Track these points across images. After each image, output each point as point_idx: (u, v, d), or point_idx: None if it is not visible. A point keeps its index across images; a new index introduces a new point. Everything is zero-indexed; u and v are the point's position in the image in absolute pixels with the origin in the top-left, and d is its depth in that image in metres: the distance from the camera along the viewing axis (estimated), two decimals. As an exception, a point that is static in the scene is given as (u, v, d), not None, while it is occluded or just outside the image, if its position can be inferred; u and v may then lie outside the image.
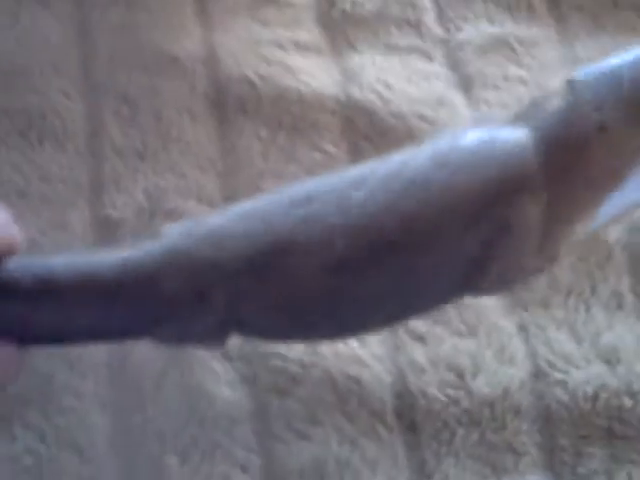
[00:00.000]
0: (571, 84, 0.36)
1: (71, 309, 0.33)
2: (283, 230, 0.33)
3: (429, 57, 0.62)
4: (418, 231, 0.33)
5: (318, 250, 0.32)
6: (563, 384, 0.49)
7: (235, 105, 0.58)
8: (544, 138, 0.35)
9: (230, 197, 0.54)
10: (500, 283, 0.37)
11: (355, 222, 0.33)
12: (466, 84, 0.60)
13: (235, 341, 0.49)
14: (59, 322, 0.33)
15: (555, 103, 0.36)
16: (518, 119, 0.36)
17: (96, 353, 0.48)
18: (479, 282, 0.36)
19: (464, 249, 0.34)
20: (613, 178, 0.35)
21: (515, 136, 0.34)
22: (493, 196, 0.33)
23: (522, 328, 0.51)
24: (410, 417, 0.48)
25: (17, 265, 0.33)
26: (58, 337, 0.34)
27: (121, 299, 0.33)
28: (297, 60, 0.60)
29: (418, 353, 0.50)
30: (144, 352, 0.49)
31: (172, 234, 0.33)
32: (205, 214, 0.36)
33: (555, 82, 0.60)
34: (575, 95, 0.36)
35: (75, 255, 0.34)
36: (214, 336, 0.35)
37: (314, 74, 0.59)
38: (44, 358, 0.48)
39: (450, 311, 0.51)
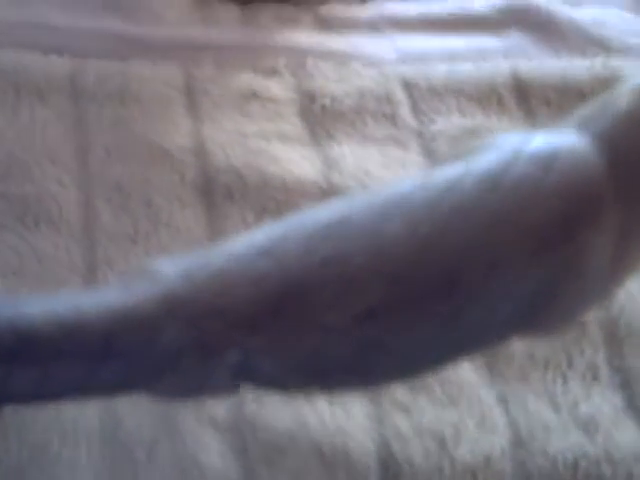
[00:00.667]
0: None
1: (55, 366, 0.27)
2: (299, 272, 0.27)
3: (405, 146, 0.63)
4: (467, 270, 0.26)
5: (343, 296, 0.26)
6: (543, 452, 0.49)
7: (222, 192, 0.59)
8: (612, 149, 0.29)
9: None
10: (562, 321, 0.31)
11: (390, 261, 0.26)
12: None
13: (225, 412, 0.49)
14: (41, 379, 0.28)
15: (622, 106, 0.30)
16: (581, 126, 0.30)
17: (88, 422, 0.48)
18: (537, 323, 0.30)
19: (521, 289, 0.27)
20: None
21: (578, 151, 0.29)
22: (557, 230, 0.27)
23: (502, 399, 0.51)
24: (396, 485, 0.49)
25: None
26: (41, 395, 0.29)
27: (113, 353, 0.27)
28: (280, 150, 0.61)
29: (402, 423, 0.50)
30: (136, 420, 0.49)
31: (168, 275, 0.28)
32: (204, 250, 0.32)
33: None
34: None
35: (57, 302, 0.29)
36: (226, 389, 0.30)
37: (297, 163, 0.61)
38: (38, 429, 0.48)
39: (432, 383, 0.52)
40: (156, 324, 0.27)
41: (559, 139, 0.29)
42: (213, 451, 0.48)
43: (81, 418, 0.48)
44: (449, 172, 0.29)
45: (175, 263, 0.30)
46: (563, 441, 0.50)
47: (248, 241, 0.29)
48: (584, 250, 0.28)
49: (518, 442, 0.50)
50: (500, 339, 0.32)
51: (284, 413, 0.49)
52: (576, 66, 0.69)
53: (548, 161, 0.28)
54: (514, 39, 0.72)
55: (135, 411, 0.49)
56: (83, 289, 0.54)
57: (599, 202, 0.28)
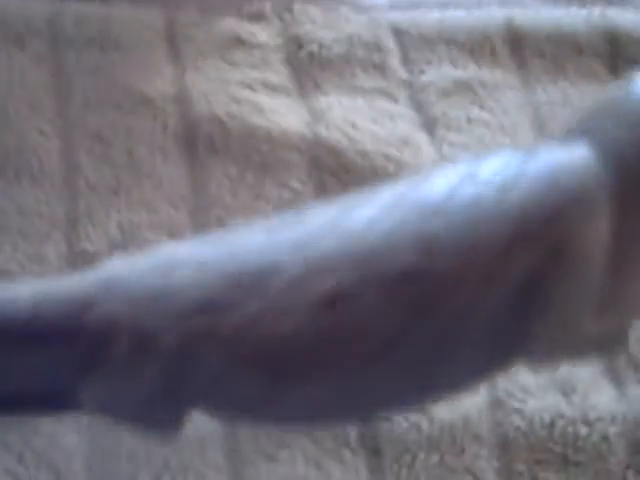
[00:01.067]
0: None
1: None
2: (262, 256, 0.26)
3: (394, 98, 0.67)
4: (440, 253, 0.26)
5: (310, 279, 0.25)
6: (520, 412, 0.54)
7: (205, 143, 0.63)
8: (614, 159, 0.29)
9: (201, 232, 0.59)
10: (561, 340, 0.28)
11: (356, 250, 0.26)
12: (430, 125, 0.67)
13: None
14: None
15: (625, 110, 0.29)
16: (580, 133, 0.29)
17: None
18: (533, 333, 0.28)
19: (505, 278, 0.26)
20: None
21: (580, 172, 0.28)
22: (543, 215, 0.27)
23: None
24: (373, 441, 0.53)
25: None
26: None
27: (36, 343, 0.25)
28: (265, 100, 0.65)
29: None
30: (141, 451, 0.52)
31: (113, 263, 0.28)
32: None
33: (517, 126, 0.67)
34: None
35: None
36: (164, 409, 0.27)
37: (282, 114, 0.65)
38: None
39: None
40: (84, 305, 0.26)
41: (561, 157, 0.29)
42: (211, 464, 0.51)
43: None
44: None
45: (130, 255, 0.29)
46: (540, 402, 0.55)
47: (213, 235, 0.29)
48: (577, 242, 0.28)
49: (496, 402, 0.55)
50: (489, 368, 0.31)
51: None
52: (572, 16, 0.73)
53: (550, 183, 0.28)
54: (510, -15, 0.76)
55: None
56: (65, 241, 0.58)
57: (597, 204, 0.28)
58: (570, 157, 0.29)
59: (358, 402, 0.28)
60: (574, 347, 0.30)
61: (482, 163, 0.28)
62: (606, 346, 0.30)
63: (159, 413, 0.27)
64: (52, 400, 0.27)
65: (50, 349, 0.25)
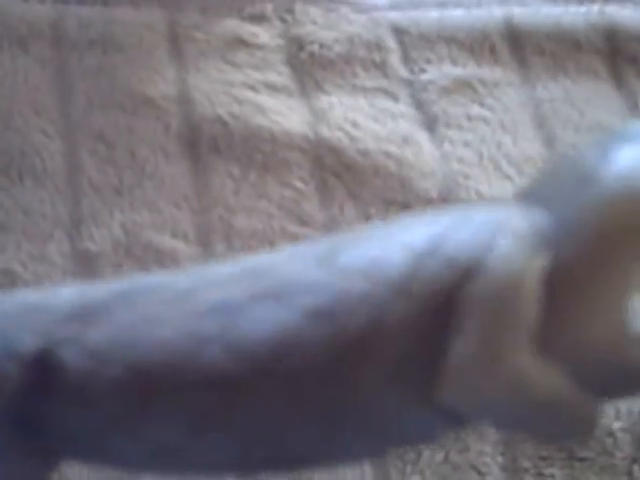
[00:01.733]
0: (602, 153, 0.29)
1: None
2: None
3: (394, 97, 0.68)
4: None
5: (198, 292, 0.26)
6: None
7: (208, 144, 0.63)
8: (558, 229, 0.28)
9: (203, 232, 0.60)
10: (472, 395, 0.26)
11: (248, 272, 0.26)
12: (431, 123, 0.67)
13: None
14: None
15: (574, 180, 0.29)
16: (528, 198, 0.29)
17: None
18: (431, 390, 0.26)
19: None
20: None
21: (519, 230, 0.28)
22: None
23: None
24: (378, 438, 0.54)
25: None
26: None
27: None
28: (267, 100, 0.65)
29: None
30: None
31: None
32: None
33: (517, 123, 0.67)
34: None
35: None
36: (24, 428, 0.24)
37: (284, 114, 0.65)
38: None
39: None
40: None
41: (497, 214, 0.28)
42: None
43: None
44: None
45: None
46: None
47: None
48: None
49: None
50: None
51: None
52: (571, 13, 0.73)
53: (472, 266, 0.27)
54: (509, -16, 0.76)
55: None
56: (68, 241, 0.59)
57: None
58: (508, 215, 0.28)
59: (232, 415, 0.26)
60: (496, 405, 0.26)
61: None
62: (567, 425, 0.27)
63: (22, 436, 0.23)
64: None
65: None
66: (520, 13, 0.73)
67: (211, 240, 0.59)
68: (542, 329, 0.26)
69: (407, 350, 0.25)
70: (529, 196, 0.29)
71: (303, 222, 0.61)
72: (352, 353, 0.25)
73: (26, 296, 0.27)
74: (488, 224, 0.26)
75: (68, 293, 0.26)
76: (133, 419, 0.24)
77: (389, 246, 0.26)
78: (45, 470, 0.24)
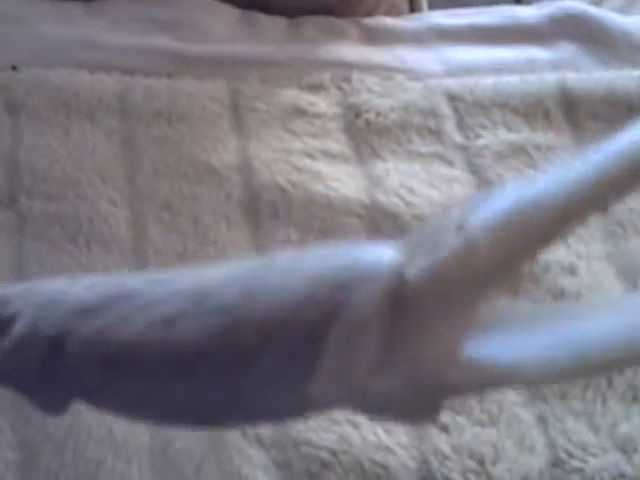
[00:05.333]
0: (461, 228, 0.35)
1: None
2: (130, 287, 0.35)
3: (450, 163, 0.68)
4: (254, 300, 0.33)
5: (156, 304, 0.35)
6: (581, 472, 0.53)
7: (268, 210, 0.64)
8: (411, 256, 0.34)
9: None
10: (338, 389, 0.34)
11: (200, 286, 0.35)
12: (485, 187, 0.67)
13: (270, 431, 0.55)
14: None
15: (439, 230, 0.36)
16: (410, 245, 0.35)
17: (139, 439, 0.54)
18: (315, 373, 0.33)
19: (296, 327, 0.33)
20: (466, 300, 0.34)
21: (383, 249, 0.35)
22: (332, 282, 0.34)
23: (541, 419, 0.56)
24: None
25: None
26: None
27: None
28: (325, 168, 0.66)
29: (442, 442, 0.56)
30: (185, 437, 0.54)
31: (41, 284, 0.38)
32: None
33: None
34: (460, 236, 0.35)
35: None
36: (46, 383, 0.36)
37: (341, 180, 0.66)
38: (93, 445, 0.54)
39: (472, 402, 0.57)
40: (6, 300, 0.36)
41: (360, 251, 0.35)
42: (257, 465, 0.54)
43: (132, 435, 0.54)
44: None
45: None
46: (601, 461, 0.54)
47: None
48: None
49: (556, 462, 0.55)
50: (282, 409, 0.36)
51: (328, 431, 0.55)
52: (624, 77, 0.73)
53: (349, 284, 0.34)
54: (564, 50, 0.76)
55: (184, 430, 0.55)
56: None
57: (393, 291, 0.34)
58: (367, 253, 0.35)
59: (173, 407, 0.36)
60: (359, 399, 0.35)
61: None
62: (412, 409, 0.35)
63: (44, 388, 0.36)
64: None
65: None
66: (573, 78, 0.73)
67: None
68: (387, 350, 0.33)
69: (288, 357, 0.34)
70: (409, 242, 0.35)
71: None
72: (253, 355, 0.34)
73: (49, 289, 0.37)
74: (349, 269, 0.34)
75: (79, 289, 0.36)
76: (104, 385, 0.35)
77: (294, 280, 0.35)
78: (64, 404, 0.37)
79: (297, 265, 0.35)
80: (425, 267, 0.34)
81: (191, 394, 0.34)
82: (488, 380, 0.35)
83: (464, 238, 0.34)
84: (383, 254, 0.35)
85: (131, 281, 0.35)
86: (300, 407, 0.36)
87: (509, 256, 0.35)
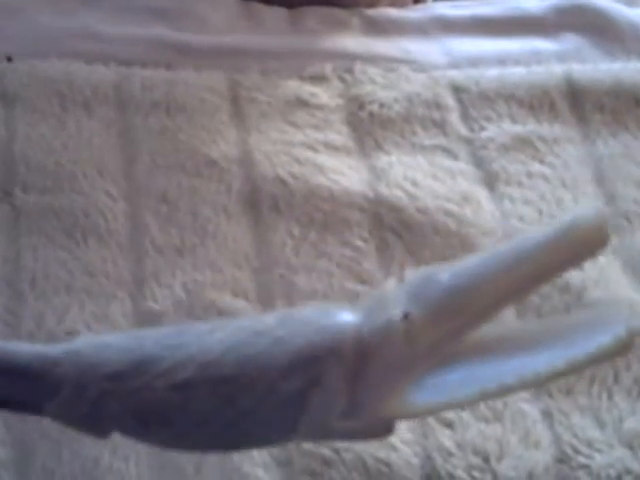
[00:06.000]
0: (403, 279, 0.46)
1: None
2: (150, 353, 0.44)
3: (454, 155, 0.67)
4: (248, 369, 0.44)
5: (171, 371, 0.44)
6: (587, 468, 0.53)
7: (269, 203, 0.63)
8: (364, 318, 0.45)
9: (264, 291, 0.60)
10: (315, 432, 0.45)
11: (202, 355, 0.44)
12: (490, 181, 0.66)
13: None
14: None
15: (381, 293, 0.46)
16: (357, 306, 0.46)
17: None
18: (300, 418, 0.44)
19: (286, 388, 0.44)
20: (409, 367, 0.44)
21: (343, 313, 0.45)
22: (310, 355, 0.44)
23: (546, 414, 0.55)
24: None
25: None
26: None
27: (27, 376, 0.45)
28: (327, 160, 0.66)
29: (446, 438, 0.55)
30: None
31: (80, 339, 0.46)
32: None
33: (578, 180, 0.66)
34: (394, 288, 0.46)
35: (7, 344, 0.47)
36: (93, 425, 0.46)
37: (344, 173, 0.65)
38: (90, 443, 0.53)
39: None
40: (55, 362, 0.45)
41: (335, 308, 0.46)
42: (258, 463, 0.53)
43: None
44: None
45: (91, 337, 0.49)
46: (607, 457, 0.54)
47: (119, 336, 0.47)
48: (328, 374, 0.44)
49: (561, 458, 0.54)
50: (275, 437, 0.46)
51: None
52: (631, 69, 0.73)
53: (325, 317, 0.45)
54: (569, 41, 0.76)
55: None
56: (131, 301, 0.59)
57: (345, 350, 0.44)
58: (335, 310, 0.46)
59: (196, 444, 0.47)
60: (331, 436, 0.47)
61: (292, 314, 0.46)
62: (371, 434, 0.46)
63: (92, 428, 0.46)
64: (29, 407, 0.46)
65: (33, 383, 0.45)
66: (579, 70, 0.73)
67: (272, 299, 0.60)
68: (352, 404, 0.44)
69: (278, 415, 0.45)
70: (365, 306, 0.46)
71: (363, 280, 0.61)
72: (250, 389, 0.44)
73: (89, 354, 0.45)
74: (322, 341, 0.44)
75: (112, 353, 0.45)
76: (143, 432, 0.46)
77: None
78: (102, 436, 0.46)
79: (280, 336, 0.44)
80: (378, 327, 0.44)
81: (207, 436, 0.45)
82: (426, 414, 0.49)
83: (405, 319, 0.44)
84: (346, 319, 0.45)
85: (152, 347, 0.44)
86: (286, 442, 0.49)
87: (445, 334, 0.44)
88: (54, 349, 0.45)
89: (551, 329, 0.46)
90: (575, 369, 0.44)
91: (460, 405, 0.49)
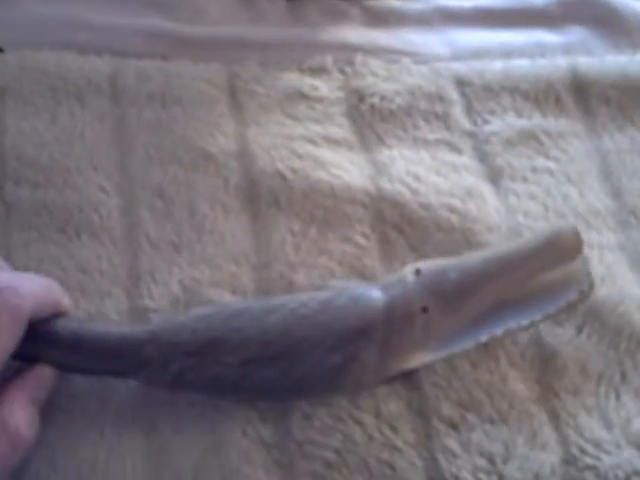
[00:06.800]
0: (417, 271, 0.57)
1: (90, 356, 0.54)
2: (218, 334, 0.54)
3: (457, 149, 0.67)
4: (299, 348, 0.54)
5: (238, 350, 0.53)
6: (594, 469, 0.53)
7: (268, 199, 0.62)
8: (391, 305, 0.55)
9: (264, 289, 0.59)
10: (355, 385, 0.55)
11: (263, 335, 0.54)
12: (494, 176, 0.66)
13: (270, 430, 0.54)
14: (80, 362, 0.54)
15: (406, 281, 0.56)
16: (385, 286, 0.56)
17: (134, 439, 0.53)
18: (341, 382, 0.54)
19: (330, 361, 0.54)
20: (426, 341, 0.56)
21: (375, 297, 0.56)
22: (348, 337, 0.54)
23: (553, 415, 0.55)
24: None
25: (60, 323, 0.54)
26: (80, 370, 0.54)
27: (119, 355, 0.53)
28: (328, 154, 0.65)
29: (451, 440, 0.54)
30: (182, 438, 0.53)
31: (155, 321, 0.57)
32: (176, 313, 0.57)
33: (583, 174, 0.66)
34: (414, 280, 0.56)
35: (97, 325, 0.54)
36: (174, 389, 0.54)
37: (345, 167, 0.64)
38: (85, 446, 0.52)
39: (482, 399, 0.56)
40: (143, 344, 0.54)
41: (368, 291, 0.56)
42: (258, 465, 0.52)
43: (126, 435, 0.53)
44: (307, 294, 0.56)
45: (162, 316, 0.58)
46: (615, 458, 0.53)
47: (202, 310, 0.55)
48: (362, 348, 0.54)
49: (568, 459, 0.54)
50: (322, 389, 0.55)
51: (332, 430, 0.54)
52: (638, 62, 0.72)
53: (356, 299, 0.56)
54: (575, 34, 0.75)
55: (181, 429, 0.54)
56: (126, 298, 0.58)
57: (375, 328, 0.55)
58: (367, 296, 0.56)
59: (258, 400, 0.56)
60: (368, 385, 0.56)
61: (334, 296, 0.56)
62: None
63: (173, 391, 0.54)
64: (116, 375, 0.54)
65: (126, 359, 0.54)
66: (585, 62, 0.72)
67: (272, 295, 0.59)
68: (382, 352, 0.55)
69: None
70: (390, 288, 0.57)
71: (364, 277, 0.60)
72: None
73: (170, 333, 0.54)
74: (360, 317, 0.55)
75: (187, 336, 0.54)
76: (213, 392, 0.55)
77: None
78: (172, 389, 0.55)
79: (323, 321, 0.55)
80: (402, 315, 0.56)
81: (268, 397, 0.55)
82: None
83: (424, 312, 0.56)
84: (375, 304, 0.56)
85: (219, 328, 0.54)
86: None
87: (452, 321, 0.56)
88: (137, 331, 0.54)
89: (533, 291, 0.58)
90: (549, 318, 0.57)
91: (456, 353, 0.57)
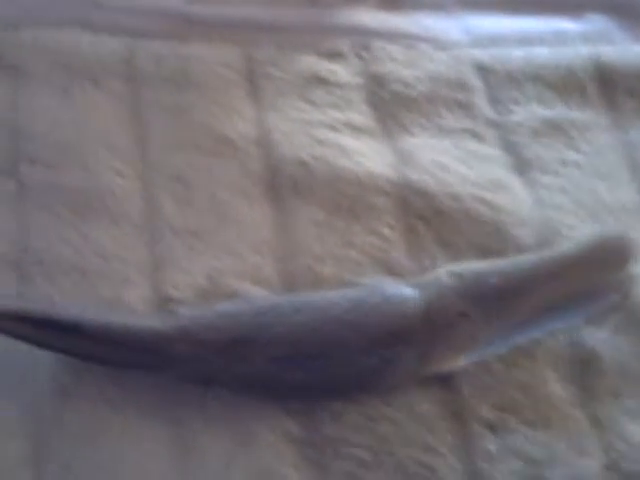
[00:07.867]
0: (455, 274, 0.55)
1: (118, 349, 0.53)
2: (246, 332, 0.52)
3: (482, 139, 0.65)
4: (331, 348, 0.53)
5: (267, 348, 0.52)
6: (637, 476, 0.52)
7: (289, 186, 0.60)
8: (429, 307, 0.54)
9: (288, 280, 0.57)
10: (390, 388, 0.54)
11: (292, 335, 0.52)
12: (523, 168, 0.64)
13: (300, 428, 0.52)
14: (107, 354, 0.53)
15: (443, 284, 0.55)
16: (419, 286, 0.55)
17: (161, 432, 0.51)
18: (376, 385, 0.54)
19: (364, 364, 0.53)
20: (467, 346, 0.54)
21: (410, 298, 0.54)
22: (385, 337, 0.53)
23: (595, 419, 0.54)
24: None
25: (87, 313, 0.53)
26: (107, 362, 0.53)
27: (148, 350, 0.53)
28: (350, 141, 0.63)
29: (489, 442, 0.53)
30: (211, 434, 0.51)
31: (185, 316, 0.54)
32: (204, 308, 0.54)
33: (612, 169, 0.64)
34: (452, 284, 0.55)
35: (125, 316, 0.54)
36: (203, 383, 0.53)
37: (367, 155, 0.62)
38: (111, 438, 0.50)
39: (522, 403, 0.54)
40: (172, 341, 0.52)
41: (398, 290, 0.55)
42: (289, 463, 0.51)
43: (152, 428, 0.51)
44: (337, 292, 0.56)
45: (191, 309, 0.55)
46: None
47: (228, 307, 0.54)
48: (400, 352, 0.53)
49: (610, 465, 0.52)
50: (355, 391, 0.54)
51: (365, 429, 0.52)
52: (662, 53, 0.71)
53: (392, 298, 0.54)
54: (594, 22, 0.74)
55: (210, 424, 0.52)
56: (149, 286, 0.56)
57: (414, 331, 0.54)
58: (400, 295, 0.55)
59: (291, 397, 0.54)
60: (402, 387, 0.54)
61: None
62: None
63: (202, 384, 0.54)
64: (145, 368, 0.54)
65: (155, 354, 0.53)
66: (608, 52, 0.70)
67: (296, 288, 0.57)
68: (423, 357, 0.54)
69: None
70: (425, 289, 0.55)
71: (392, 271, 0.58)
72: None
73: (201, 329, 0.53)
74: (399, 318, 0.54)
75: (216, 331, 0.53)
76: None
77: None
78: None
79: (355, 321, 0.53)
80: (442, 319, 0.54)
81: (298, 394, 0.54)
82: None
83: (464, 317, 0.55)
84: (410, 307, 0.54)
85: (247, 326, 0.53)
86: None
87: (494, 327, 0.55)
88: (164, 325, 0.52)
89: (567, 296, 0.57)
90: (590, 321, 0.57)
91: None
